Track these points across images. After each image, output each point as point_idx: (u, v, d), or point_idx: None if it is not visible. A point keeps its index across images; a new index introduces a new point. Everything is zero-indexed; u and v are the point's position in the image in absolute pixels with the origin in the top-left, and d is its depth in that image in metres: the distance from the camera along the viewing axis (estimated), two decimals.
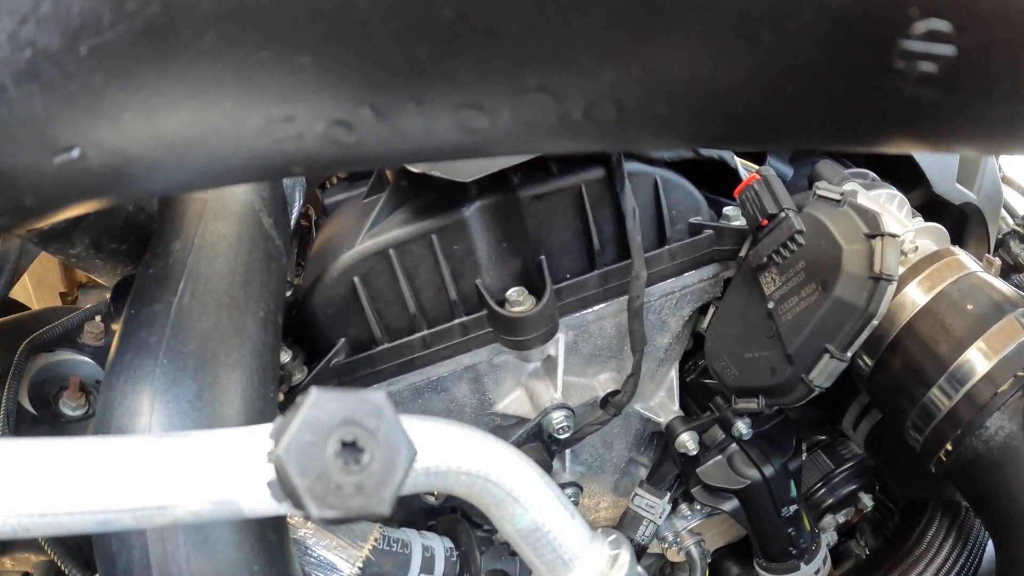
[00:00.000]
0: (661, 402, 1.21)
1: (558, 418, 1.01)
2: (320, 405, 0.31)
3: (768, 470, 1.18)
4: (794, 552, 1.26)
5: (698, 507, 1.33)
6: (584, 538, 0.59)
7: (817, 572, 1.31)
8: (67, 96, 0.36)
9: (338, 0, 0.32)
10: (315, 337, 0.96)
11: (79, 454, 0.40)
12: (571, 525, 0.60)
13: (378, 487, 0.31)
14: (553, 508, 0.59)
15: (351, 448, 0.31)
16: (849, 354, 0.89)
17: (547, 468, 1.06)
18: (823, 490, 1.39)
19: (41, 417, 1.23)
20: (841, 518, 1.43)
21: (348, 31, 0.33)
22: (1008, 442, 0.85)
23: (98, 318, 1.22)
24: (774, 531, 1.24)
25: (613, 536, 0.63)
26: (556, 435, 1.02)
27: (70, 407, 1.21)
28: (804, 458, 1.35)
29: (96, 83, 0.36)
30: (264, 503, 0.38)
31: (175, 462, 0.38)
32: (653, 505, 1.26)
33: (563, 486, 1.17)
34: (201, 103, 0.36)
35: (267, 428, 0.37)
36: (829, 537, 1.42)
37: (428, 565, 0.88)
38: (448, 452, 0.48)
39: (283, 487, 0.32)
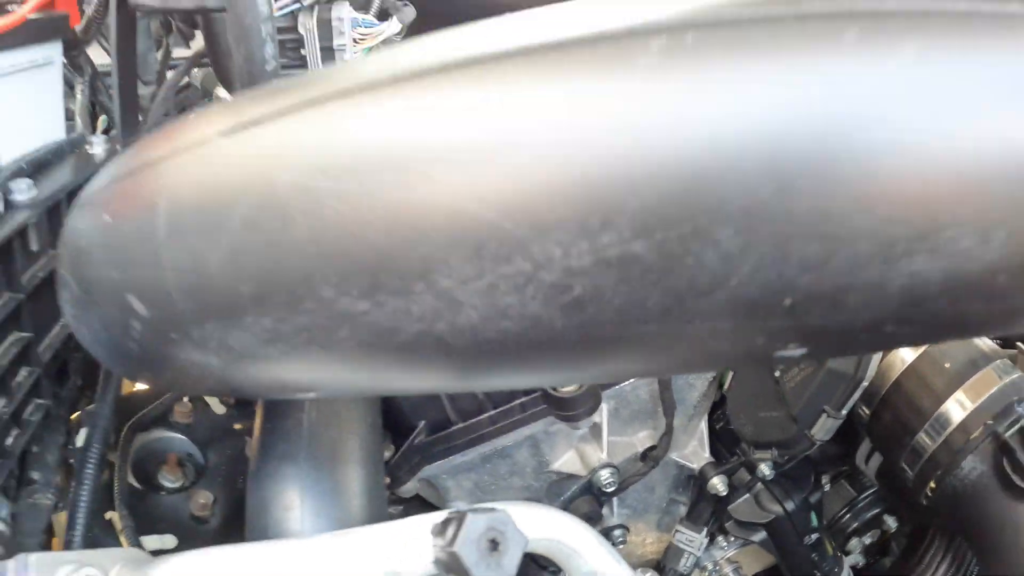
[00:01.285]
0: (694, 450, 1.38)
1: (605, 475, 1.19)
2: (475, 519, 0.50)
3: (789, 505, 1.34)
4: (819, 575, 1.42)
5: (732, 539, 1.48)
6: (625, 573, 0.79)
7: None
8: None
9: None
10: (398, 420, 1.16)
11: (284, 554, 0.60)
12: (618, 569, 0.79)
13: (509, 565, 0.50)
14: (605, 558, 0.78)
15: (492, 543, 0.51)
16: (844, 412, 1.07)
17: (597, 515, 1.25)
18: (848, 515, 1.52)
19: (144, 490, 1.42)
20: (867, 540, 1.55)
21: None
22: (980, 480, 1.02)
23: (186, 399, 1.43)
24: (799, 558, 1.39)
25: (650, 573, 0.82)
26: (604, 489, 1.20)
27: (169, 480, 1.39)
28: (828, 488, 1.51)
29: None
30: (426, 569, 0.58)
31: (358, 552, 0.58)
32: (692, 539, 1.43)
33: (612, 528, 1.34)
34: None
35: (423, 521, 0.56)
36: (856, 559, 1.56)
37: None
38: (535, 527, 0.67)
39: (453, 569, 0.51)
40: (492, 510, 0.52)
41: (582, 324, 0.40)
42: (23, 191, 0.86)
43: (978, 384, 1.07)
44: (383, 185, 0.39)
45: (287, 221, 0.40)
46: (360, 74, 0.42)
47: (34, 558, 0.61)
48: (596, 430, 1.23)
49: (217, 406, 1.58)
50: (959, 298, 0.37)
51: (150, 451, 1.40)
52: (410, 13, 1.29)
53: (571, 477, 1.26)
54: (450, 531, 0.52)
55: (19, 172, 0.89)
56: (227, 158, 0.43)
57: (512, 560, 0.51)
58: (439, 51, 0.40)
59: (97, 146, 1.06)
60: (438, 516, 0.56)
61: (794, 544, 1.39)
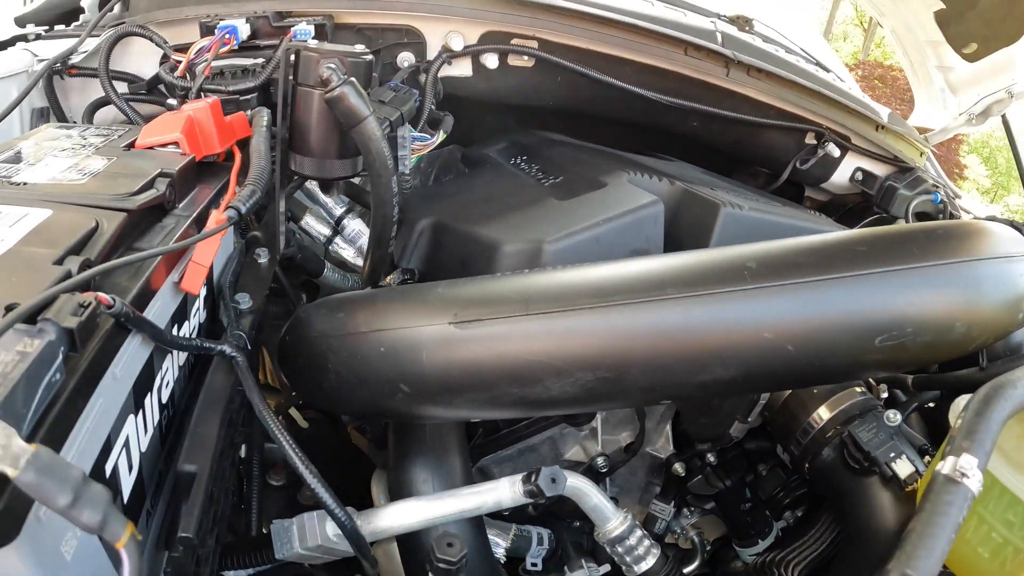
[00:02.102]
0: (662, 445, 1.96)
1: (600, 462, 1.80)
2: (544, 469, 1.14)
3: (728, 483, 1.92)
4: (753, 533, 1.97)
5: (693, 510, 2.06)
6: (612, 509, 1.40)
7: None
8: None
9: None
10: (466, 427, 1.77)
11: (443, 499, 1.23)
12: (609, 505, 1.40)
13: (560, 489, 1.15)
14: (600, 498, 1.39)
15: (552, 480, 1.15)
16: (750, 419, 1.67)
17: None
18: (782, 493, 1.99)
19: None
20: (799, 512, 2.03)
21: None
22: (833, 463, 1.60)
23: (280, 418, 1.91)
24: (738, 519, 1.97)
25: (627, 511, 1.42)
26: (599, 470, 1.81)
27: (275, 479, 1.92)
28: (766, 473, 2.05)
29: None
30: (517, 498, 1.21)
31: (482, 493, 1.20)
32: (663, 509, 1.99)
33: None
34: None
35: (512, 477, 1.19)
36: (786, 523, 2.09)
37: (539, 540, 1.69)
38: (570, 481, 1.29)
39: (536, 494, 1.15)
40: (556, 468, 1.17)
41: (589, 395, 1.14)
42: (246, 302, 1.20)
43: (837, 401, 1.65)
44: (529, 355, 1.13)
45: (490, 366, 1.10)
46: (501, 310, 1.12)
47: (315, 514, 1.21)
48: (594, 432, 1.83)
49: (301, 422, 2.10)
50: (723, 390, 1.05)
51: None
52: (450, 121, 1.83)
53: (577, 463, 1.86)
54: (533, 477, 1.16)
55: (235, 287, 1.23)
56: (458, 338, 1.11)
57: (561, 487, 1.17)
58: (544, 303, 1.13)
59: (263, 258, 1.40)
60: (522, 474, 1.19)
61: (734, 510, 1.97)
